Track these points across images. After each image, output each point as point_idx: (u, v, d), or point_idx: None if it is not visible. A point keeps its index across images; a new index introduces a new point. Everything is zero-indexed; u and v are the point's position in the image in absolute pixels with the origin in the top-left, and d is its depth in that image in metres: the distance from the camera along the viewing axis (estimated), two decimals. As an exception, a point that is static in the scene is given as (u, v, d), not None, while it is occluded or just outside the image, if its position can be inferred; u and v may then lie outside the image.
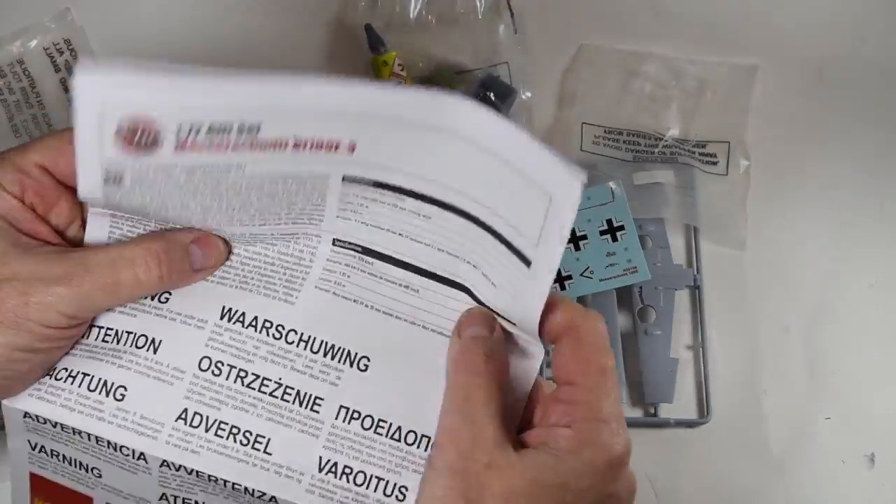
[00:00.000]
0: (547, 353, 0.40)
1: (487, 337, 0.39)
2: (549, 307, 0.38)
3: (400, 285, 0.41)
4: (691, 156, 0.58)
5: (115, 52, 0.62)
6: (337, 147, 0.36)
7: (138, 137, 0.35)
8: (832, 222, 0.59)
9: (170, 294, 0.41)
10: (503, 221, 0.37)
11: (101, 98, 0.34)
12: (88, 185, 0.37)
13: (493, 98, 0.58)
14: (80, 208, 0.41)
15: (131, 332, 0.41)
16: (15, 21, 0.62)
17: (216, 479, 0.40)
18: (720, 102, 0.60)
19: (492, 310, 0.40)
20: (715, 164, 0.58)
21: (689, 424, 0.54)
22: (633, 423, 0.55)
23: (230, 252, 0.41)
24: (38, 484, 0.44)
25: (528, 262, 0.37)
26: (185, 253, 0.39)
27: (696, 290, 0.56)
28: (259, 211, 0.39)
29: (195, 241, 0.40)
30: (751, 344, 0.56)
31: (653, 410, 0.54)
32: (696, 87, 0.60)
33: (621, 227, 0.55)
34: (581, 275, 0.55)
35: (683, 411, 0.55)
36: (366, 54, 0.58)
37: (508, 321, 0.39)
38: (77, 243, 0.41)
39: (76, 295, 0.38)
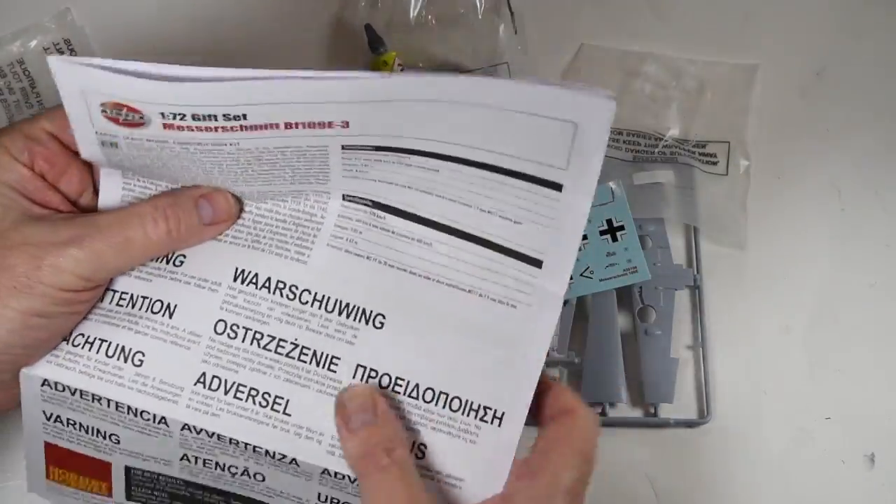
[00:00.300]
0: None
1: (377, 427, 0.38)
2: (548, 388, 0.40)
3: (412, 239, 0.40)
4: (691, 156, 0.58)
5: (116, 53, 0.62)
6: (330, 125, 0.36)
7: (124, 117, 0.36)
8: (832, 222, 0.59)
9: (184, 257, 0.41)
10: (521, 160, 0.37)
11: (79, 86, 0.35)
12: (87, 148, 0.38)
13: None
14: (91, 176, 0.41)
15: (146, 297, 0.41)
16: (15, 21, 0.62)
17: (237, 442, 0.40)
18: (720, 102, 0.60)
19: (512, 250, 0.40)
20: (715, 164, 0.58)
21: (689, 424, 0.54)
22: (633, 424, 0.55)
23: (242, 209, 0.41)
24: (54, 453, 0.44)
25: (558, 186, 0.37)
26: (193, 208, 0.40)
27: (696, 290, 0.56)
28: (262, 175, 0.39)
29: (203, 197, 0.40)
30: (751, 344, 0.56)
31: (653, 410, 0.54)
32: (696, 87, 0.60)
33: (621, 227, 0.55)
34: (581, 275, 0.55)
35: (683, 411, 0.55)
36: (366, 54, 0.58)
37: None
38: (90, 211, 0.41)
39: (88, 255, 0.38)
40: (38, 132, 0.40)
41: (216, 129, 0.36)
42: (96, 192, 0.42)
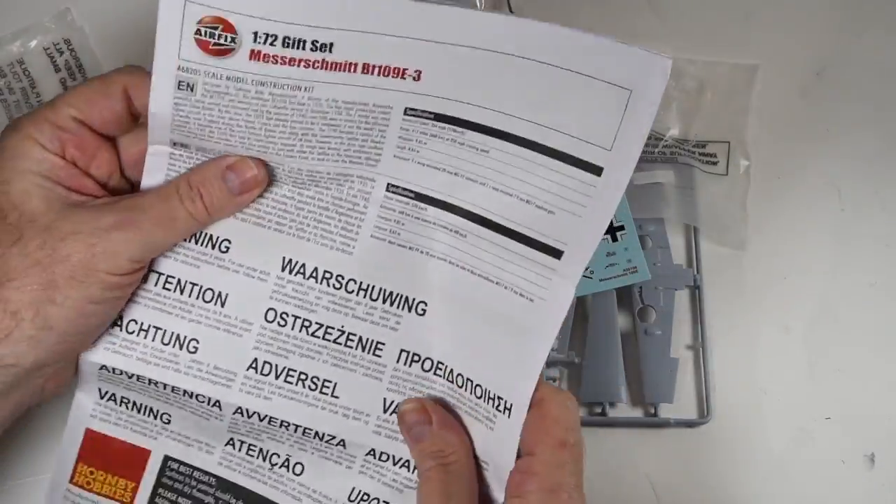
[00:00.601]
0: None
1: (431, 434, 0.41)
2: None
3: (450, 230, 0.41)
4: (691, 156, 0.58)
5: (116, 53, 0.62)
6: (404, 74, 0.37)
7: (216, 40, 0.36)
8: (832, 222, 0.59)
9: (229, 242, 0.42)
10: (566, 136, 0.38)
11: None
12: (161, 93, 0.38)
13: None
14: (118, 158, 0.42)
15: (196, 284, 0.42)
16: (15, 21, 0.62)
17: (287, 425, 0.42)
18: (720, 102, 0.60)
19: (538, 241, 0.40)
20: (715, 163, 0.58)
21: (689, 424, 0.54)
22: (633, 423, 0.55)
23: (270, 177, 0.41)
24: (91, 444, 0.44)
25: (598, 170, 0.37)
26: (222, 179, 0.40)
27: (696, 290, 0.56)
28: (320, 142, 0.40)
29: (229, 168, 0.40)
30: (751, 344, 0.56)
31: (653, 410, 0.54)
32: (696, 87, 0.60)
33: (621, 228, 0.55)
34: (581, 275, 0.54)
35: (683, 411, 0.55)
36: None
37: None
38: (120, 193, 0.42)
39: (139, 237, 0.39)
40: (65, 119, 0.40)
41: (300, 62, 0.36)
42: (122, 174, 0.42)
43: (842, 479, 0.54)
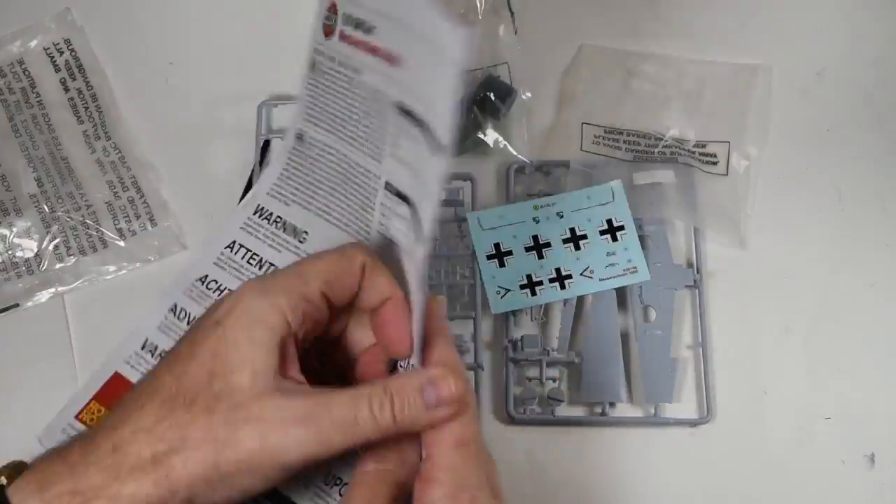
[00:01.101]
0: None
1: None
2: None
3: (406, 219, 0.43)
4: (691, 156, 0.58)
5: (116, 53, 0.62)
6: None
7: (325, 20, 0.41)
8: (832, 222, 0.59)
9: (306, 234, 0.45)
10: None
11: None
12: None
13: (493, 98, 0.58)
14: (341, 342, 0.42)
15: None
16: (15, 21, 0.62)
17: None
18: (720, 102, 0.60)
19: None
20: (715, 164, 0.58)
21: (689, 424, 0.54)
22: (633, 423, 0.54)
23: (468, 395, 0.39)
24: (112, 387, 0.45)
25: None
26: (418, 391, 0.37)
27: (696, 290, 0.56)
28: (363, 127, 0.41)
29: (430, 381, 0.38)
30: (751, 344, 0.56)
31: (653, 410, 0.54)
32: (696, 87, 0.60)
33: (621, 227, 0.55)
34: (581, 274, 0.55)
35: (683, 411, 0.55)
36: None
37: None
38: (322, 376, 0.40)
39: (315, 436, 0.36)
40: (314, 293, 0.38)
41: (358, 43, 0.39)
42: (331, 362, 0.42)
43: (842, 479, 0.54)
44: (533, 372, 0.54)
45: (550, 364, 0.54)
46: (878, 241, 0.58)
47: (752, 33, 0.62)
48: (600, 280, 0.55)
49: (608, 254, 0.55)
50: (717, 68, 0.60)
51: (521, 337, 0.54)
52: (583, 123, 0.60)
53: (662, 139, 0.58)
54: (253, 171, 0.58)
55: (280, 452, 0.36)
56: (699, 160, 0.58)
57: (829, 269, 0.58)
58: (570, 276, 0.55)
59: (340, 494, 0.42)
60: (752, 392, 0.55)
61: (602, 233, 0.55)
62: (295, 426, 0.36)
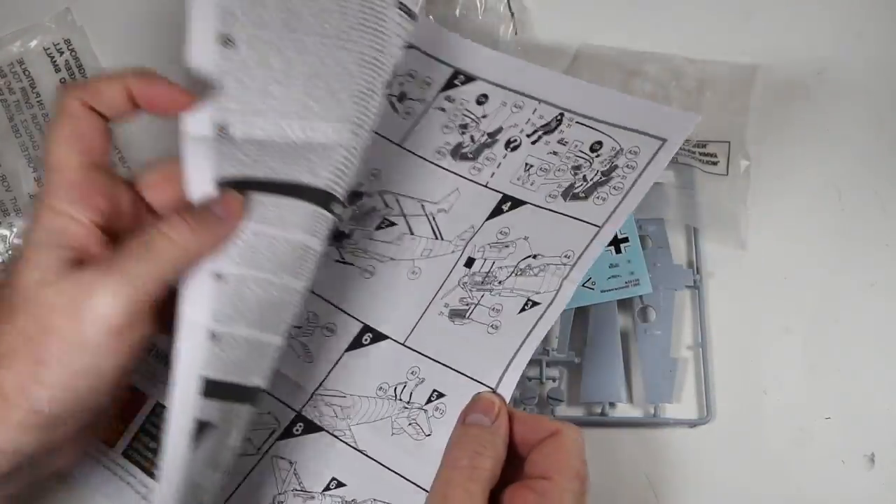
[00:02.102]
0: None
1: (484, 429, 0.40)
2: (521, 419, 0.41)
3: None
4: (691, 155, 0.58)
5: (116, 53, 0.62)
6: None
7: None
8: (832, 222, 0.59)
9: None
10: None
11: None
12: None
13: (493, 98, 0.58)
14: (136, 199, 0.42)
15: None
16: (15, 21, 0.62)
17: None
18: (720, 102, 0.60)
19: None
20: (715, 163, 0.58)
21: (689, 424, 0.54)
22: (633, 423, 0.55)
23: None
24: None
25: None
26: (207, 209, 0.39)
27: (696, 290, 0.56)
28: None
29: (214, 201, 0.39)
30: (751, 344, 0.56)
31: (653, 410, 0.54)
32: (696, 87, 0.60)
33: (625, 240, 0.55)
34: (583, 285, 0.54)
35: (683, 411, 0.55)
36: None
37: None
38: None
39: (120, 278, 0.36)
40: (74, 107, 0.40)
41: None
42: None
43: (842, 479, 0.54)
44: (532, 372, 0.54)
45: (550, 364, 0.54)
46: (878, 241, 0.58)
47: (752, 33, 0.62)
48: (602, 291, 0.54)
49: (611, 265, 0.55)
50: (717, 68, 0.60)
51: (521, 337, 0.54)
52: (583, 123, 0.60)
53: (662, 139, 0.58)
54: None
55: (97, 317, 0.35)
56: (699, 160, 0.58)
57: (829, 269, 0.58)
58: (572, 286, 0.55)
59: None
60: (751, 392, 0.55)
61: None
62: (97, 285, 0.35)
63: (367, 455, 0.45)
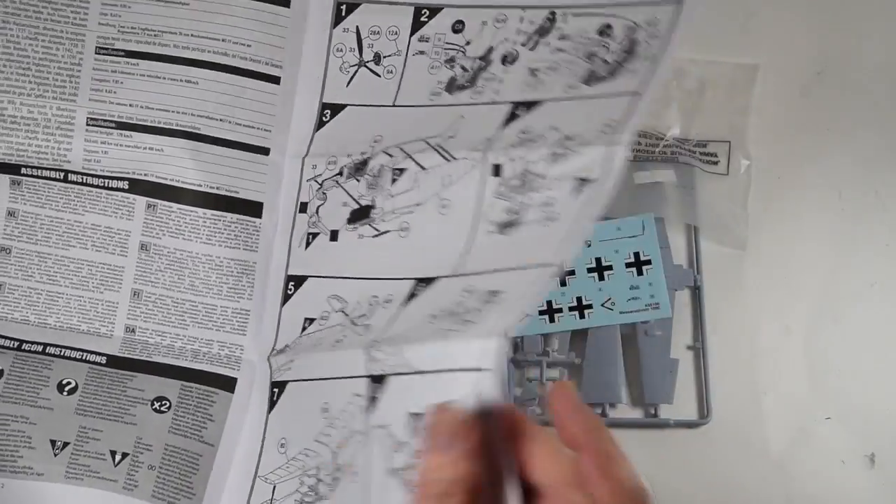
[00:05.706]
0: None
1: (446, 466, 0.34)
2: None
3: None
4: (692, 155, 0.58)
5: (115, 52, 0.61)
6: None
7: None
8: (832, 222, 0.59)
9: None
10: None
11: None
12: None
13: (493, 98, 0.58)
14: None
15: None
16: (14, 20, 0.61)
17: None
18: (720, 102, 0.60)
19: None
20: (715, 163, 0.58)
21: (689, 425, 0.54)
22: (633, 424, 0.55)
23: None
24: None
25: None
26: None
27: (696, 290, 0.56)
28: None
29: None
30: (751, 344, 0.56)
31: (653, 410, 0.54)
32: (696, 87, 0.60)
33: (648, 262, 0.55)
34: (602, 305, 0.54)
35: (683, 411, 0.55)
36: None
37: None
38: None
39: None
40: None
41: None
42: None
43: (842, 479, 0.54)
44: (533, 373, 0.54)
45: (551, 365, 0.54)
46: (878, 240, 0.58)
47: (752, 33, 0.62)
48: (621, 313, 0.54)
49: (632, 287, 0.54)
50: (717, 68, 0.60)
51: (522, 338, 0.54)
52: (583, 123, 0.60)
53: (663, 139, 0.58)
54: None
55: None
56: (700, 160, 0.58)
57: (828, 269, 0.58)
58: (590, 307, 0.54)
59: None
60: (751, 392, 0.55)
61: (628, 265, 0.55)
62: None
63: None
